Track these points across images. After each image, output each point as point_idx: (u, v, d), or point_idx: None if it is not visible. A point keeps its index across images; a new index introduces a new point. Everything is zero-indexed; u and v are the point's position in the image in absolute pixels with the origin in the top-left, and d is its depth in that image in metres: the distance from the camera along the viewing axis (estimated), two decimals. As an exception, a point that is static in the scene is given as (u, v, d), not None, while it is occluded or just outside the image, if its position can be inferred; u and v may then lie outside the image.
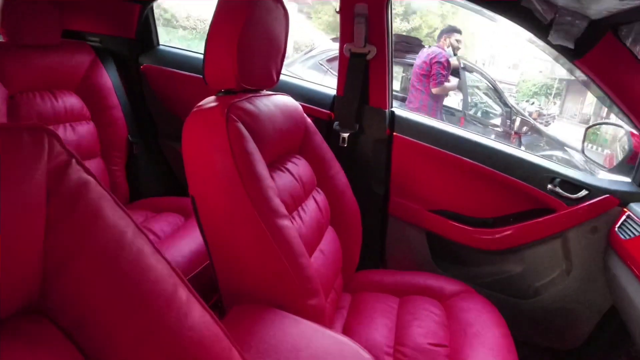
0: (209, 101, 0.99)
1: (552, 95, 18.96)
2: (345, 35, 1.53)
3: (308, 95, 1.68)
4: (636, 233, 1.21)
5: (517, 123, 4.18)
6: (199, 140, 0.94)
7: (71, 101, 1.61)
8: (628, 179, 1.41)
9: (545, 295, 1.50)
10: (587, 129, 1.68)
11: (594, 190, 1.39)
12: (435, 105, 3.70)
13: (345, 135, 1.56)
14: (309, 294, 0.98)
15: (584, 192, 1.40)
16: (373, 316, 1.21)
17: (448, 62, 3.67)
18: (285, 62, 1.27)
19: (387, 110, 1.56)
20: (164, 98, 1.92)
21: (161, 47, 1.95)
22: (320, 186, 1.28)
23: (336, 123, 1.59)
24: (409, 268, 1.64)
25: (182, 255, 1.34)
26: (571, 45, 1.22)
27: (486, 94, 4.89)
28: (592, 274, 1.43)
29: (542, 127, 5.08)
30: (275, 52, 1.13)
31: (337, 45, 4.30)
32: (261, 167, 0.96)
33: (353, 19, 1.47)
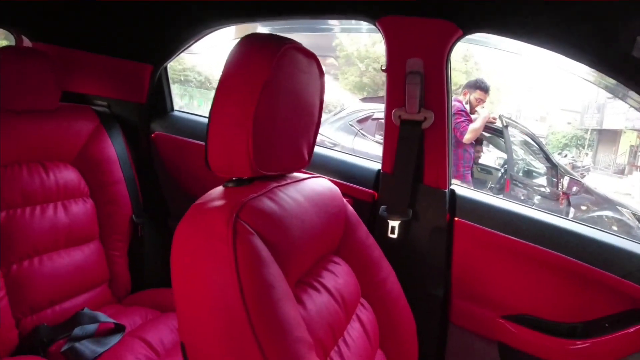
0: (213, 197, 0.70)
1: (585, 147, 18.59)
2: (394, 98, 1.24)
3: (344, 170, 1.39)
4: None
5: (566, 183, 3.82)
6: (192, 261, 0.64)
7: (66, 175, 1.38)
8: None
9: None
10: None
11: None
12: (460, 168, 3.39)
13: (395, 224, 1.25)
14: None
15: None
16: None
17: (461, 110, 3.35)
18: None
19: (446, 191, 1.27)
20: (177, 172, 1.66)
21: (176, 112, 1.72)
22: (365, 296, 0.97)
23: (383, 207, 1.28)
24: None
25: None
26: None
27: (522, 150, 4.59)
28: None
29: (588, 183, 4.73)
30: (307, 123, 0.85)
31: (366, 105, 4.08)
32: (287, 306, 0.64)
33: (404, 78, 1.19)
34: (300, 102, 0.82)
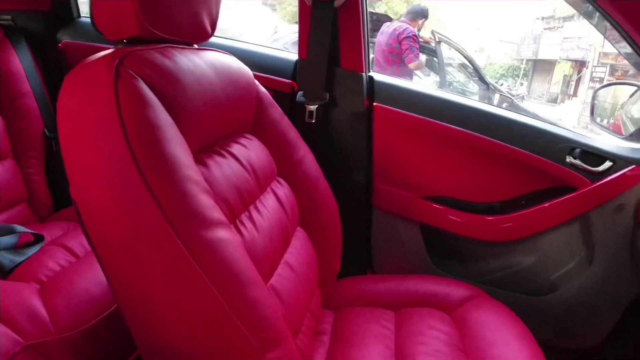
0: (100, 53, 0.66)
1: (520, 77, 19.28)
2: None
3: (262, 62, 1.34)
4: None
5: (496, 100, 3.98)
6: (75, 112, 0.61)
7: None
8: None
9: (562, 289, 1.26)
10: (596, 91, 1.49)
11: (620, 161, 1.15)
12: None
13: (313, 108, 1.24)
14: (267, 345, 0.63)
15: (608, 164, 1.16)
16: (365, 342, 0.92)
17: (416, 36, 3.47)
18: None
19: (364, 75, 1.26)
20: None
21: (83, 19, 1.59)
22: (282, 175, 0.97)
23: (300, 93, 1.26)
24: (402, 270, 1.36)
25: (100, 283, 1.01)
26: None
27: (460, 72, 4.68)
28: (617, 261, 1.20)
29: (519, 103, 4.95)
30: None
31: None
32: (175, 147, 0.61)
33: None
34: None
